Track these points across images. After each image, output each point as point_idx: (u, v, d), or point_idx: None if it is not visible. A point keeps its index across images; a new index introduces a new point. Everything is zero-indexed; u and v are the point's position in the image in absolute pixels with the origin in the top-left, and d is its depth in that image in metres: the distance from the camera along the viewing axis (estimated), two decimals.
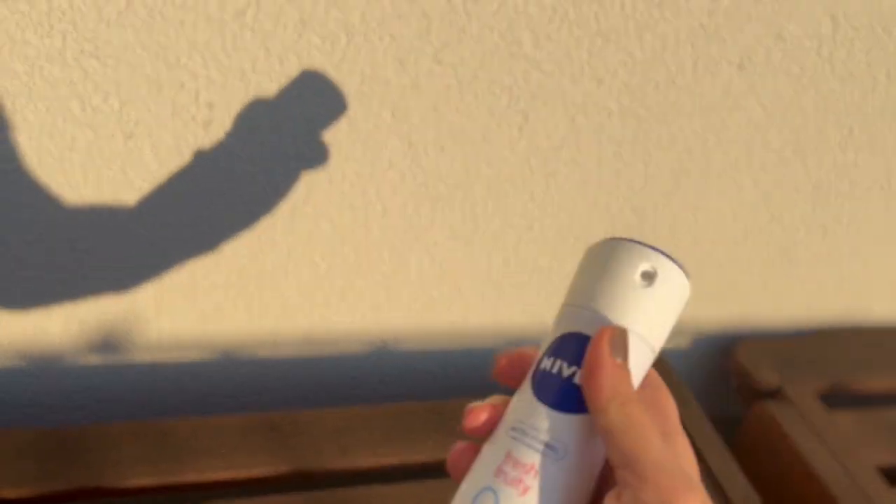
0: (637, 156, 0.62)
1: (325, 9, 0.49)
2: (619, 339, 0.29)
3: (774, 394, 0.73)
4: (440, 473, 0.59)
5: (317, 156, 0.56)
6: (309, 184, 0.57)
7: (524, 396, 0.30)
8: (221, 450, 0.57)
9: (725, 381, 0.78)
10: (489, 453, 0.29)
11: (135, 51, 0.48)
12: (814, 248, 0.74)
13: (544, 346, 0.31)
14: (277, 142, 0.54)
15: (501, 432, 0.30)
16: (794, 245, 0.73)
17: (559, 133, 0.59)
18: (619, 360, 0.29)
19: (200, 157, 0.54)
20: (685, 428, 0.66)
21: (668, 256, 0.30)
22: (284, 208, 0.58)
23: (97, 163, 0.52)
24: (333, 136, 0.55)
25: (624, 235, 0.31)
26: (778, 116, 0.63)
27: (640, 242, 0.30)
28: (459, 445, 0.31)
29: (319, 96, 0.53)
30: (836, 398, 0.74)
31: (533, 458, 0.28)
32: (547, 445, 0.28)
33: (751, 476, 0.66)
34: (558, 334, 0.30)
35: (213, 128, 0.53)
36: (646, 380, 0.31)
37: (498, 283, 0.67)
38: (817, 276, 0.77)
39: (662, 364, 0.72)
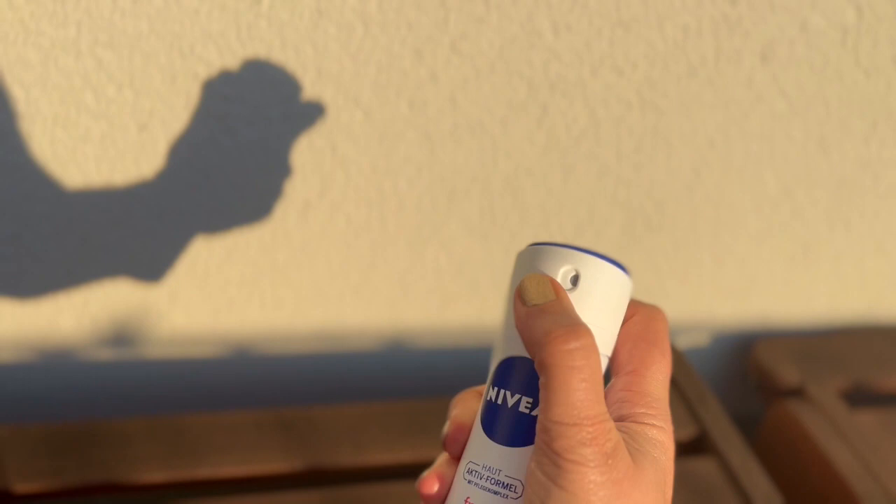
0: (658, 149, 0.61)
1: None
2: (531, 282, 0.27)
3: (796, 392, 0.72)
4: None
5: (332, 148, 0.55)
6: (324, 177, 0.56)
7: (476, 432, 0.28)
8: (235, 446, 0.56)
9: (745, 380, 0.77)
10: (451, 501, 0.28)
11: (149, 41, 0.48)
12: (836, 243, 0.73)
13: (489, 375, 0.29)
14: (292, 133, 0.54)
15: (459, 477, 0.28)
16: (817, 241, 0.72)
17: (579, 125, 0.58)
18: (531, 303, 0.27)
19: (214, 149, 0.53)
20: (703, 425, 0.64)
21: (590, 252, 0.28)
22: (298, 202, 0.57)
23: (111, 154, 0.52)
24: (349, 127, 0.54)
25: (549, 239, 0.29)
26: (801, 109, 0.62)
27: (558, 244, 0.28)
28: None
29: (335, 87, 0.52)
30: (859, 397, 0.72)
31: (490, 500, 0.27)
32: (503, 485, 0.27)
33: (772, 475, 0.64)
34: (498, 360, 0.29)
35: (228, 119, 0.52)
36: (640, 331, 0.29)
37: None
38: (840, 273, 0.75)
39: (682, 361, 0.71)
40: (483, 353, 0.70)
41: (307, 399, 0.68)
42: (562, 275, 0.28)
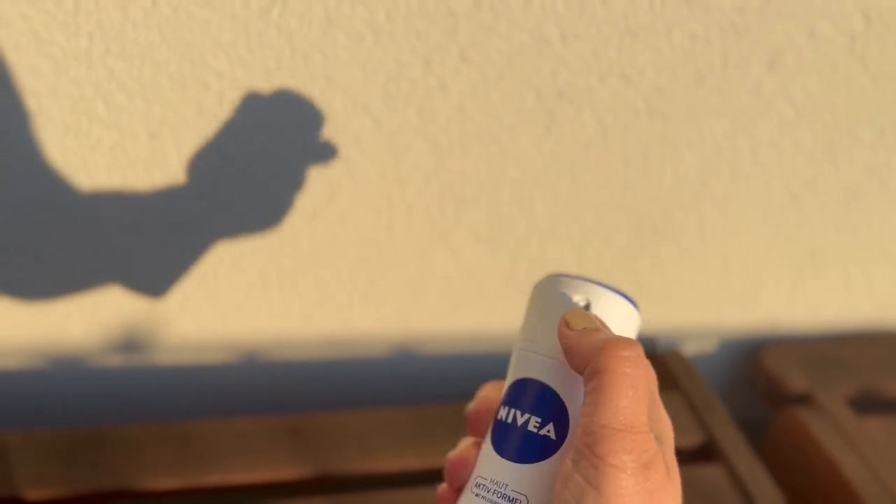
0: (665, 156, 0.61)
1: (350, 7, 0.49)
2: (577, 312, 0.29)
3: (803, 399, 0.72)
4: None
5: (340, 156, 0.55)
6: (332, 184, 0.57)
7: (486, 448, 0.30)
8: (244, 453, 0.57)
9: (753, 386, 0.76)
10: None
11: (160, 50, 0.48)
12: (844, 250, 0.73)
13: (502, 395, 0.31)
14: (301, 141, 0.54)
15: (467, 491, 0.30)
16: (824, 247, 0.72)
17: (586, 133, 0.58)
18: (577, 328, 0.29)
19: (223, 157, 0.53)
20: (711, 432, 0.64)
21: (604, 286, 0.30)
22: (307, 209, 0.57)
23: (121, 162, 0.52)
24: (358, 136, 0.55)
25: (569, 272, 0.32)
26: (809, 116, 0.62)
27: (576, 277, 0.30)
28: (442, 488, 0.32)
29: (344, 95, 0.52)
30: (866, 403, 0.72)
31: None
32: (510, 500, 0.28)
33: (779, 482, 0.64)
34: (510, 381, 0.30)
35: (237, 127, 0.52)
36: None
37: (522, 286, 0.66)
38: (847, 279, 0.75)
39: (689, 368, 0.71)
40: (490, 359, 0.70)
41: (315, 405, 0.68)
42: (574, 304, 0.30)
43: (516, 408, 0.29)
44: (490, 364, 0.71)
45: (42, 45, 0.46)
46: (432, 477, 0.59)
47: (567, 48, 0.54)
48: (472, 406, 0.32)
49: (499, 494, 0.28)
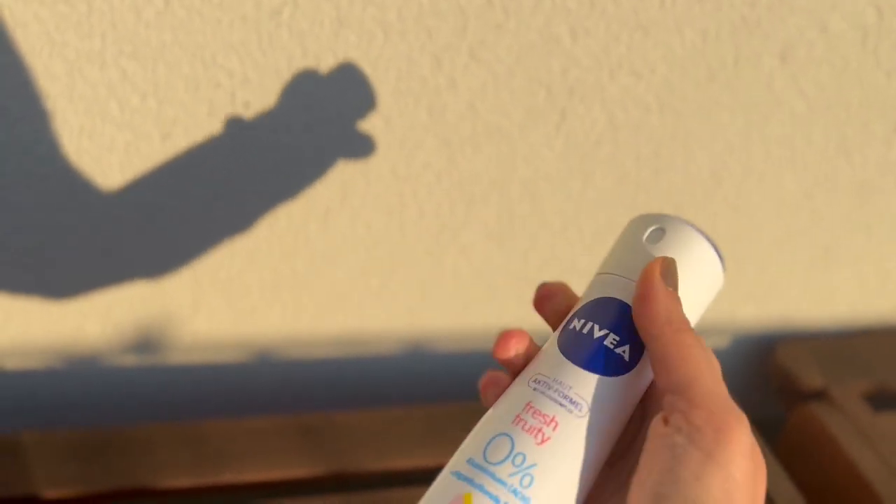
0: (677, 153, 0.61)
1: (361, 6, 0.49)
2: (670, 268, 0.29)
3: (818, 395, 0.71)
4: None
5: (352, 156, 0.56)
6: (344, 184, 0.57)
7: (549, 353, 0.29)
8: (258, 451, 0.57)
9: (767, 383, 0.76)
10: (507, 403, 0.29)
11: (172, 51, 0.48)
12: (857, 246, 0.72)
13: (574, 311, 0.31)
14: (313, 142, 0.54)
15: (522, 384, 0.29)
16: (837, 244, 0.72)
17: (597, 130, 0.58)
18: (670, 289, 0.29)
19: (236, 157, 0.54)
20: None
21: (690, 225, 0.30)
22: (319, 209, 0.58)
23: (135, 163, 0.52)
24: (369, 135, 0.55)
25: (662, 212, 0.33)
26: (821, 111, 0.62)
27: (675, 217, 0.31)
28: (489, 374, 0.31)
29: (355, 95, 0.53)
30: (882, 399, 0.72)
31: (554, 411, 0.28)
32: (570, 400, 0.28)
33: (794, 478, 0.64)
34: (590, 298, 0.30)
35: (249, 127, 0.52)
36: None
37: (534, 284, 0.66)
38: (861, 275, 0.75)
39: None
40: None
41: (328, 404, 0.69)
42: (650, 232, 0.30)
43: (594, 321, 0.29)
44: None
45: (56, 47, 0.47)
46: None
47: (577, 45, 0.54)
48: (541, 288, 0.33)
49: (560, 394, 0.28)
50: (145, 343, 0.62)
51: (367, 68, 0.52)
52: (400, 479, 0.58)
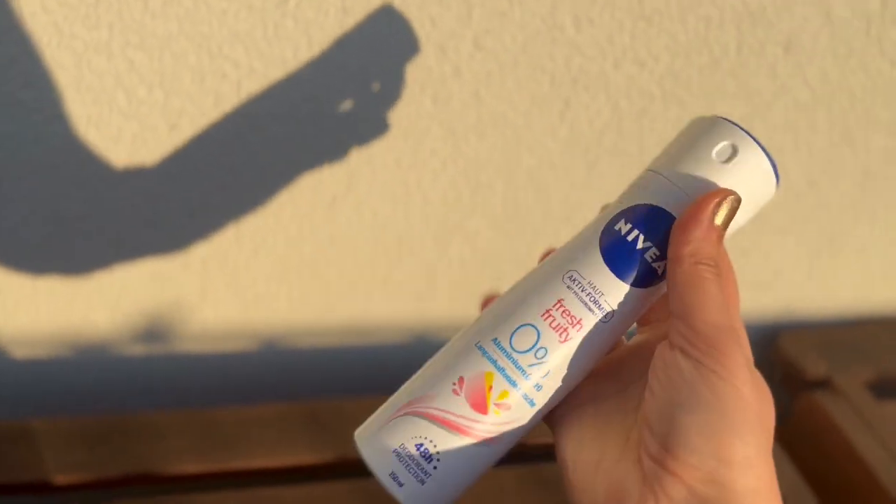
0: None
1: None
2: (729, 204, 0.29)
3: (822, 384, 0.72)
4: None
5: (358, 144, 0.56)
6: (350, 173, 0.57)
7: (589, 251, 0.30)
8: (267, 439, 0.58)
9: (771, 371, 0.76)
10: (539, 291, 0.29)
11: (178, 41, 0.49)
12: (862, 234, 0.72)
13: (624, 203, 0.31)
14: (319, 132, 0.55)
15: (557, 274, 0.30)
16: (842, 232, 0.72)
17: (601, 119, 0.58)
18: (716, 223, 0.29)
19: (242, 147, 0.54)
20: None
21: (756, 142, 0.30)
22: (325, 197, 0.58)
23: (142, 154, 0.53)
24: (374, 124, 0.55)
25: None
26: (825, 99, 0.62)
27: (736, 124, 0.30)
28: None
29: (360, 84, 0.53)
30: (886, 388, 0.72)
31: (582, 314, 0.29)
32: (600, 308, 0.29)
33: (798, 467, 0.64)
34: (642, 202, 0.30)
35: (255, 117, 0.53)
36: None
37: None
38: (865, 264, 0.75)
39: None
40: None
41: (334, 392, 0.69)
42: (720, 147, 0.30)
43: (641, 231, 0.29)
44: None
45: (64, 38, 0.47)
46: None
47: (581, 34, 0.54)
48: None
49: (592, 299, 0.29)
50: (153, 332, 0.63)
51: (372, 57, 0.52)
52: None
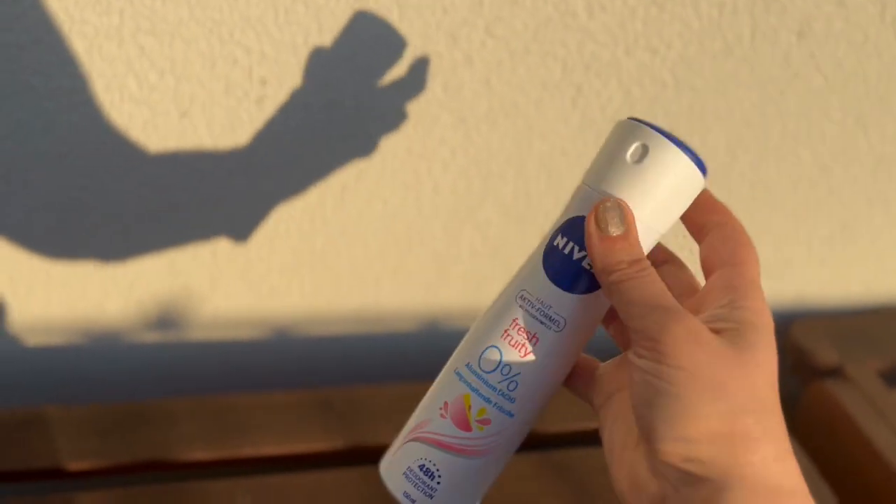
0: (693, 129, 0.61)
1: None
2: (607, 212, 0.30)
3: (834, 372, 0.71)
4: None
5: (368, 133, 0.56)
6: (360, 161, 0.57)
7: (535, 269, 0.32)
8: (278, 426, 0.58)
9: (783, 360, 0.76)
10: (498, 314, 0.32)
11: (189, 27, 0.49)
12: (875, 222, 0.72)
13: (561, 218, 0.33)
14: (328, 118, 0.54)
15: (512, 295, 0.32)
16: (854, 219, 0.71)
17: (613, 106, 0.58)
18: (611, 232, 0.30)
19: (253, 135, 0.54)
20: None
21: (667, 137, 0.30)
22: (336, 186, 0.58)
23: (153, 141, 0.53)
24: (384, 112, 0.55)
25: (643, 117, 0.33)
26: (839, 86, 0.61)
27: (646, 123, 0.31)
28: None
29: (371, 71, 0.53)
30: None
31: (536, 328, 0.31)
32: (550, 319, 0.31)
33: (810, 455, 0.64)
34: (574, 214, 0.32)
35: (266, 104, 0.53)
36: (728, 233, 0.32)
37: None
38: (878, 252, 0.75)
39: None
40: None
41: (346, 380, 0.69)
42: (632, 149, 0.31)
43: (574, 241, 0.31)
44: None
45: (75, 24, 0.47)
46: None
47: (593, 20, 0.53)
48: None
49: (542, 313, 0.31)
50: (165, 320, 0.63)
51: (383, 44, 0.52)
52: None
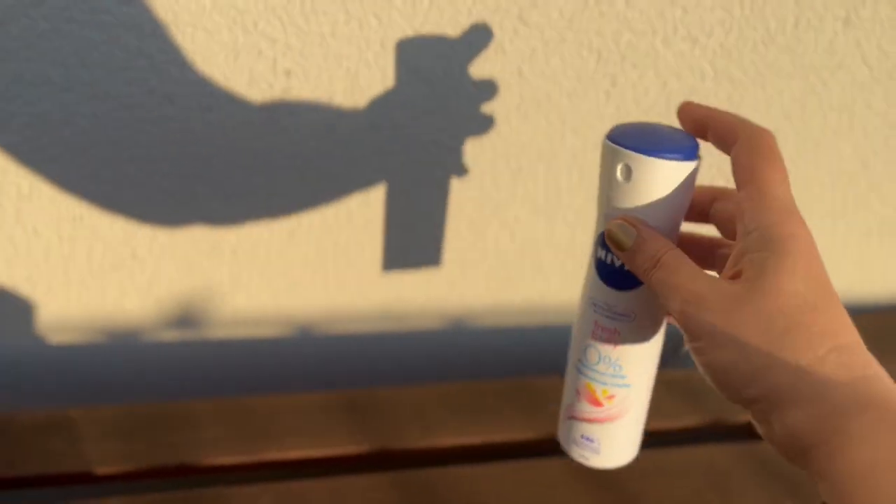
0: None
1: None
2: (616, 233, 0.35)
3: None
4: (526, 453, 0.57)
5: (393, 124, 0.54)
6: (385, 154, 0.55)
7: (594, 276, 0.38)
8: (303, 428, 0.56)
9: None
10: (585, 320, 0.39)
11: (211, 17, 0.47)
12: None
13: (596, 239, 0.38)
14: (354, 109, 0.53)
15: (588, 302, 0.39)
16: (894, 216, 0.69)
17: (649, 98, 0.56)
18: (627, 247, 0.34)
19: (276, 128, 0.52)
20: None
21: (642, 152, 0.34)
22: (360, 180, 0.56)
23: (176, 136, 0.51)
24: (411, 102, 0.53)
25: (623, 123, 0.37)
26: (883, 77, 0.59)
27: (619, 144, 0.34)
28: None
29: (399, 60, 0.51)
30: None
31: (614, 325, 0.38)
32: (622, 315, 0.37)
33: None
34: (600, 230, 0.37)
35: (290, 94, 0.51)
36: (739, 150, 0.34)
37: (580, 259, 0.64)
38: None
39: None
40: (545, 333, 0.68)
41: (370, 379, 0.68)
42: (619, 171, 0.35)
43: (609, 251, 0.37)
44: (545, 337, 0.69)
45: (95, 14, 0.45)
46: (494, 453, 0.58)
47: (630, 8, 0.51)
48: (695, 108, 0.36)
49: (613, 312, 0.38)
50: (186, 318, 0.61)
51: (411, 32, 0.50)
52: (447, 457, 0.57)
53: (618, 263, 0.36)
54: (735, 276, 0.31)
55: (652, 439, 0.61)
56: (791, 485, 0.57)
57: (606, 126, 0.57)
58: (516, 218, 0.61)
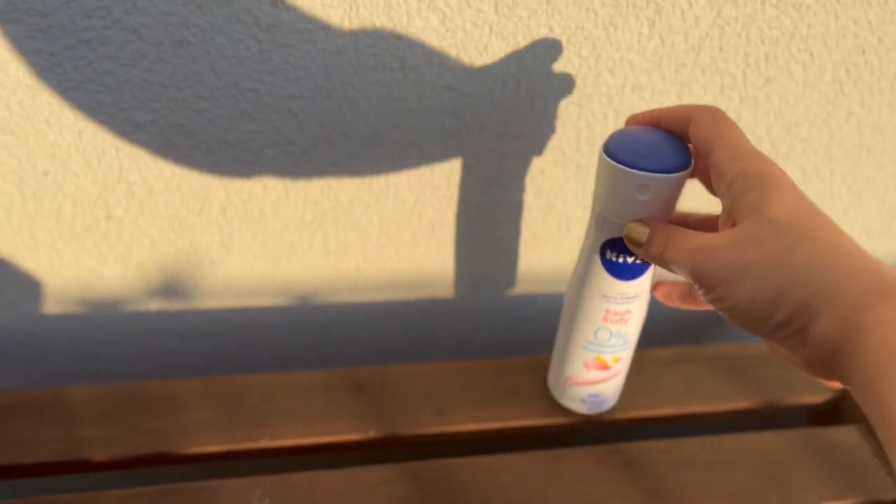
0: (795, 58, 0.51)
1: None
2: (632, 236, 0.39)
3: None
4: (548, 440, 0.50)
5: (405, 65, 0.46)
6: (393, 105, 0.48)
7: (602, 274, 0.43)
8: (301, 412, 0.50)
9: None
10: (593, 310, 0.45)
11: None
12: None
13: (602, 235, 0.42)
14: (354, 37, 0.45)
15: (596, 296, 0.45)
16: None
17: (699, 30, 0.48)
18: (641, 243, 0.39)
19: (267, 66, 0.45)
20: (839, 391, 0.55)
21: (657, 172, 0.37)
22: (366, 131, 0.49)
23: (184, 92, 0.44)
24: (419, 41, 0.45)
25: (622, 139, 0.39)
26: None
27: (626, 163, 0.38)
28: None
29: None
30: None
31: (625, 307, 0.45)
32: (628, 297, 0.44)
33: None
34: (606, 237, 0.42)
35: (280, 28, 0.43)
36: (693, 131, 0.37)
37: None
38: None
39: None
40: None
41: (377, 353, 0.61)
42: (637, 190, 0.38)
43: (622, 253, 0.42)
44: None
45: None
46: (514, 440, 0.51)
47: None
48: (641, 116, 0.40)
49: (623, 297, 0.44)
50: (171, 287, 0.55)
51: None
52: (463, 443, 0.50)
53: (630, 260, 0.42)
54: (732, 226, 0.33)
55: (696, 424, 0.54)
56: (856, 477, 0.50)
57: (648, 62, 0.49)
58: (541, 169, 0.54)
